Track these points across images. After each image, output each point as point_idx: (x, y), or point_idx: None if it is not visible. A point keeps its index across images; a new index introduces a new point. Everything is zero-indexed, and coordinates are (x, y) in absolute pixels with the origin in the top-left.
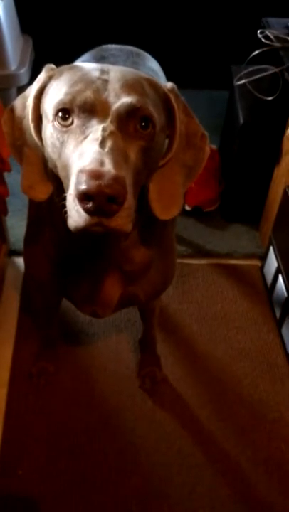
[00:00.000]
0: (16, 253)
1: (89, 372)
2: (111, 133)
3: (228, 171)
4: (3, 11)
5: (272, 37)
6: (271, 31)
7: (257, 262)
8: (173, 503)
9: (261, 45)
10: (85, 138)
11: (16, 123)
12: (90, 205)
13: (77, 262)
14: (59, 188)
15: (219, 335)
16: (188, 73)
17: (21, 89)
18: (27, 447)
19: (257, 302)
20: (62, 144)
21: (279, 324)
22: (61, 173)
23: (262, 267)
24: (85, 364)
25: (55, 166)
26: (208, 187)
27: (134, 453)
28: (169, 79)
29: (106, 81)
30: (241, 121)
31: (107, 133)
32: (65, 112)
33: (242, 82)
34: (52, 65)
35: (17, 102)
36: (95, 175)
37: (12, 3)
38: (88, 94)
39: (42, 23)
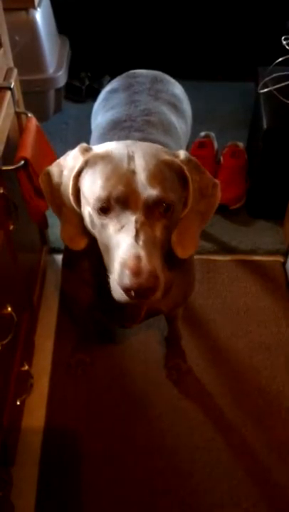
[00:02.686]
0: (55, 251)
1: (121, 363)
2: (142, 223)
3: (254, 170)
4: (42, 18)
5: None
6: None
7: (280, 258)
8: (194, 482)
9: (286, 51)
10: (122, 227)
11: (54, 187)
12: (131, 293)
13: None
14: (95, 239)
15: (241, 329)
16: (221, 65)
17: (59, 91)
18: (67, 429)
19: (278, 297)
20: (102, 226)
21: None
22: (101, 247)
23: (284, 263)
24: (117, 356)
25: (93, 233)
26: (235, 185)
27: (160, 436)
28: (202, 72)
29: (133, 172)
30: (265, 126)
31: (139, 224)
32: (104, 207)
33: (266, 90)
34: (85, 145)
35: (53, 169)
36: (135, 272)
37: (50, 8)
38: (121, 188)
39: (78, 23)
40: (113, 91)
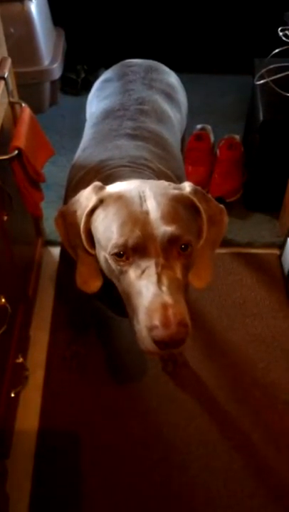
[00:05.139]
0: (51, 243)
1: (117, 354)
2: (162, 267)
3: (251, 162)
4: (37, 10)
5: None
6: None
7: (276, 251)
8: (191, 474)
9: (282, 42)
10: (142, 273)
11: (68, 227)
12: (162, 345)
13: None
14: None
15: (237, 321)
16: (217, 58)
17: (54, 84)
18: (62, 422)
19: (274, 290)
20: (121, 273)
21: None
22: (121, 293)
23: (280, 256)
24: (113, 347)
25: (111, 278)
26: (231, 178)
27: (157, 429)
28: (199, 64)
29: (147, 213)
30: (261, 118)
31: (160, 268)
32: (120, 252)
33: (262, 81)
34: (99, 184)
35: (68, 209)
36: (165, 324)
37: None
38: (138, 233)
39: (74, 15)
40: (107, 80)
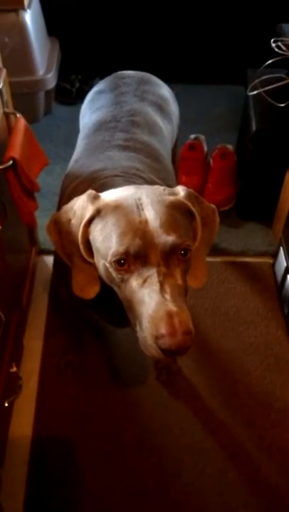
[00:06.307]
0: (45, 252)
1: (111, 363)
2: (164, 275)
3: (244, 172)
4: (31, 19)
5: (284, 48)
6: (285, 40)
7: (269, 260)
8: (185, 482)
9: (275, 53)
10: (144, 281)
11: (62, 236)
12: (168, 352)
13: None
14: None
15: (231, 329)
16: (211, 68)
17: (49, 93)
18: (56, 430)
19: (268, 298)
20: (123, 281)
21: (287, 320)
22: (122, 301)
23: (273, 265)
24: (107, 355)
25: (111, 286)
26: (225, 187)
27: (151, 437)
28: (192, 75)
29: (146, 222)
30: (254, 128)
31: (162, 277)
32: (121, 261)
33: (255, 92)
34: (93, 192)
35: (61, 217)
36: (170, 333)
37: (39, 10)
38: (138, 242)
39: (68, 25)
40: (100, 92)
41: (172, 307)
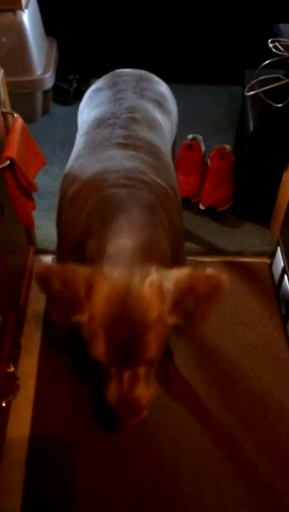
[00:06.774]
0: (42, 251)
1: None
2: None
3: (241, 172)
4: (29, 20)
5: (281, 48)
6: (282, 41)
7: (267, 260)
8: (182, 482)
9: (272, 54)
10: (110, 371)
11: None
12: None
13: None
14: None
15: (228, 330)
16: (208, 68)
17: (46, 93)
18: (53, 431)
19: (265, 299)
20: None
21: (284, 320)
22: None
23: (271, 265)
24: None
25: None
26: (222, 187)
27: (148, 437)
28: (190, 75)
29: (130, 339)
30: (251, 128)
31: (126, 375)
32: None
33: (252, 92)
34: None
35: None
36: (118, 408)
37: (37, 10)
38: (116, 356)
39: (66, 25)
40: (98, 89)
41: (126, 394)
